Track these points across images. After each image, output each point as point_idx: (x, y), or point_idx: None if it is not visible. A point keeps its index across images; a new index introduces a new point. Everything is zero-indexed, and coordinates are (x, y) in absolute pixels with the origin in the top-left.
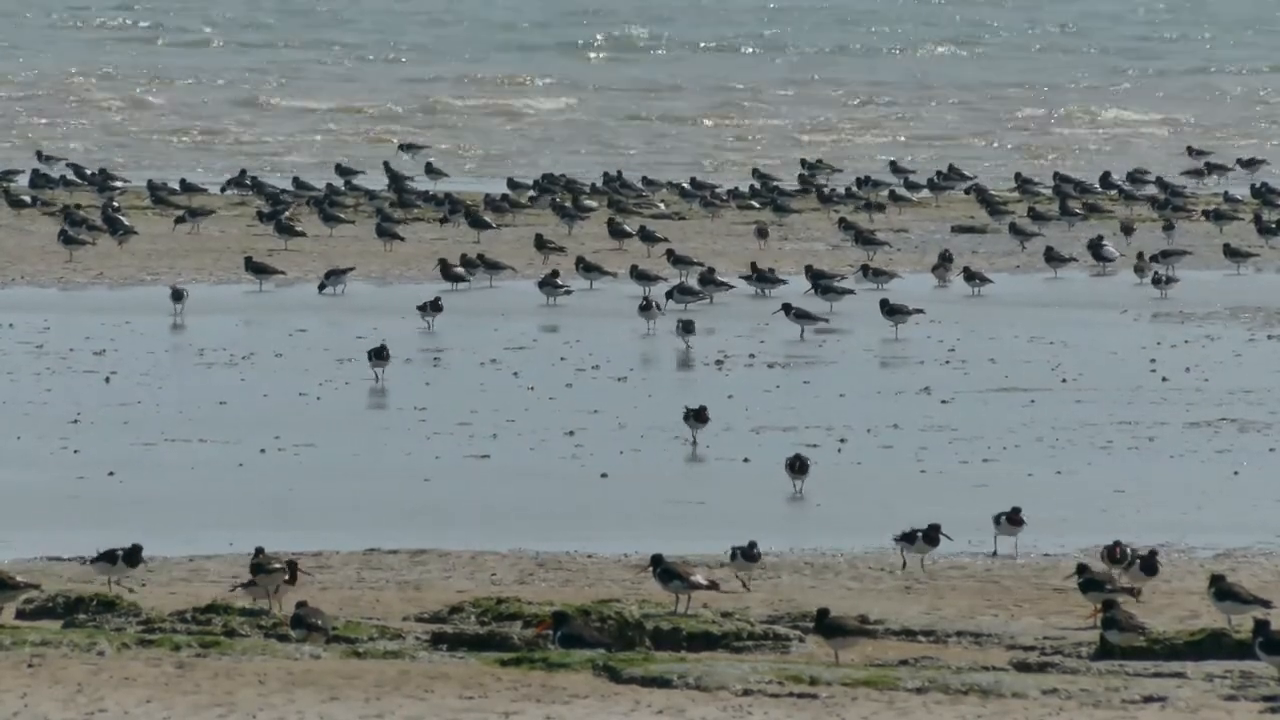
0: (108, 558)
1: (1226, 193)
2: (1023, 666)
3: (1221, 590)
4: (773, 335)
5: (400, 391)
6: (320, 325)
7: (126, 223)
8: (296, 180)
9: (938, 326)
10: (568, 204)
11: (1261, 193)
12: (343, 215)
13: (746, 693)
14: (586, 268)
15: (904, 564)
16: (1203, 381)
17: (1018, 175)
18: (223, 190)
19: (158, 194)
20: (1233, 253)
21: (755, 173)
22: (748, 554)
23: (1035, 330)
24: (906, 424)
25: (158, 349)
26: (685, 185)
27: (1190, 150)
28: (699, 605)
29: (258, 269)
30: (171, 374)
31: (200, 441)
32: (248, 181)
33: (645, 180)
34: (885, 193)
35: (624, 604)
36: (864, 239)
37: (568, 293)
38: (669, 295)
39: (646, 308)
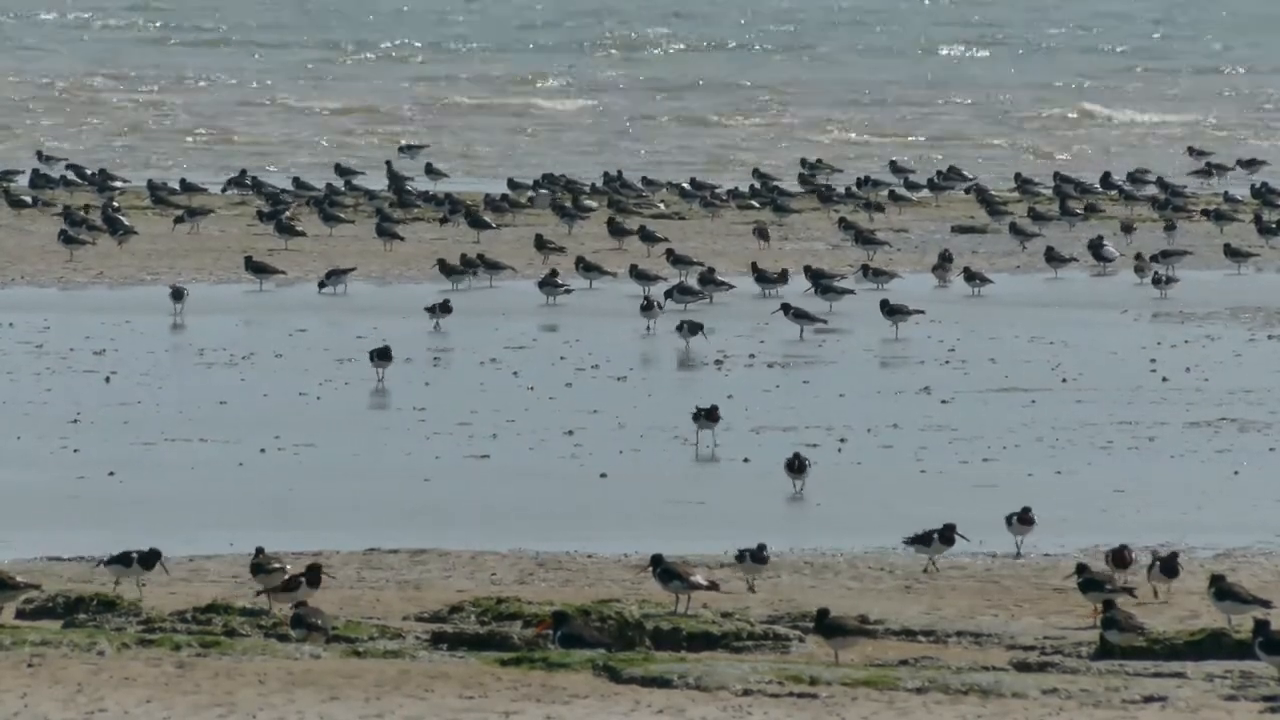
0: (122, 560)
1: (1226, 193)
2: (1023, 666)
3: (1221, 590)
4: (772, 335)
5: (400, 391)
6: (320, 325)
7: (126, 223)
8: (296, 180)
9: (938, 326)
10: (568, 204)
11: (1261, 193)
12: (343, 215)
13: (746, 693)
14: (586, 267)
15: (930, 565)
16: (1203, 381)
17: (1018, 175)
18: (223, 190)
19: (157, 194)
20: (1233, 253)
21: (755, 172)
22: (756, 556)
23: (1035, 330)
24: (906, 424)
25: (158, 349)
26: (685, 185)
27: (1191, 150)
28: (699, 605)
29: (258, 269)
30: (171, 374)
31: (200, 441)
32: (248, 181)
33: (645, 180)
34: (885, 193)
35: (624, 604)
36: (864, 239)
37: (568, 292)
38: (668, 295)
39: (648, 307)
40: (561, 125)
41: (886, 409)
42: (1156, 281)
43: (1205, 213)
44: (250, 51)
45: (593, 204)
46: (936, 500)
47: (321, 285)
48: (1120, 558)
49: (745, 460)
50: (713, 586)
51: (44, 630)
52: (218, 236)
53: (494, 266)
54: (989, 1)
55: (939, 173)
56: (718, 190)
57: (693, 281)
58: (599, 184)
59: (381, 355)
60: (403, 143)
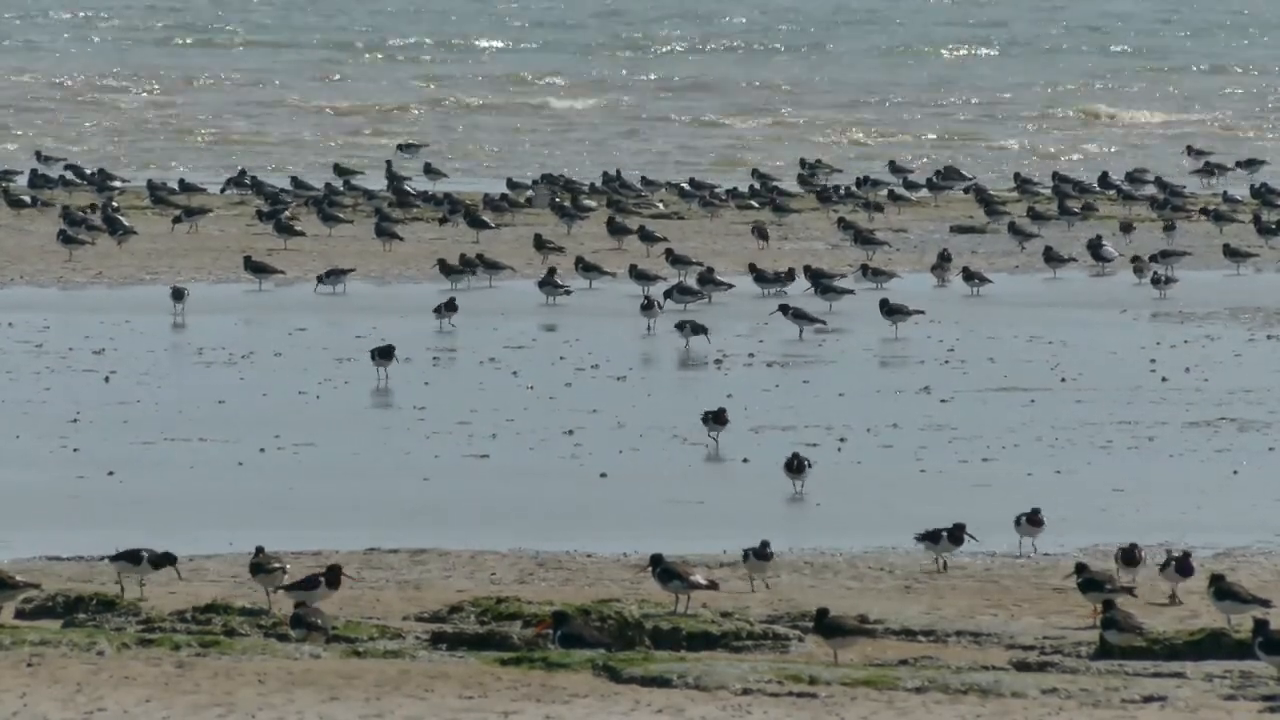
0: (130, 558)
1: (1225, 193)
2: (1022, 666)
3: (1221, 590)
4: (772, 335)
5: (400, 391)
6: (319, 325)
7: (126, 223)
8: (295, 180)
9: (937, 326)
10: (567, 204)
11: (1261, 193)
12: (342, 215)
13: (746, 692)
14: (586, 267)
15: (943, 565)
16: (1202, 381)
17: (1017, 175)
18: (222, 190)
19: (157, 194)
20: (1232, 253)
21: (755, 172)
22: (760, 554)
23: (1034, 330)
24: (906, 423)
25: (157, 348)
26: (684, 185)
27: (1190, 150)
28: (698, 605)
29: (257, 268)
30: (171, 373)
31: (200, 441)
32: (247, 181)
33: (644, 180)
34: (884, 192)
35: (624, 604)
36: (863, 239)
37: (567, 292)
38: (668, 295)
39: (648, 307)
40: (571, 125)
41: (886, 408)
42: (1156, 281)
43: (1204, 212)
44: (259, 51)
45: (592, 204)
46: (936, 500)
47: (320, 281)
48: (1130, 556)
49: (745, 460)
50: (712, 586)
51: (43, 630)
52: (217, 236)
53: (493, 266)
54: (995, 1)
55: (938, 173)
56: (717, 190)
57: (692, 281)
58: (598, 184)
59: (384, 354)
60: (401, 142)
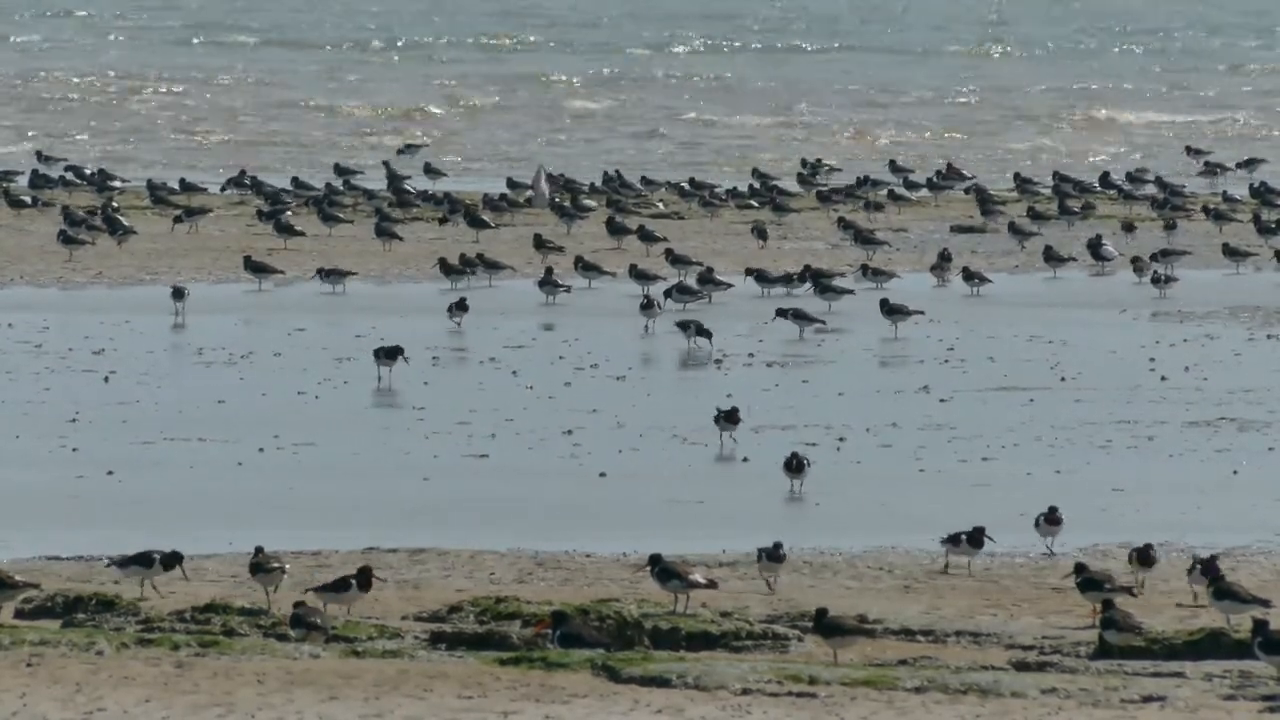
0: (143, 561)
1: (1225, 192)
2: (1022, 666)
3: (1220, 590)
4: (772, 335)
5: (399, 391)
6: (319, 325)
7: (126, 223)
8: (295, 180)
9: (937, 326)
10: (567, 204)
11: (1260, 192)
12: (342, 215)
13: (745, 692)
14: (585, 267)
15: (946, 566)
16: (1202, 381)
17: (1016, 175)
18: (222, 190)
19: (157, 194)
20: (1232, 252)
21: (755, 172)
22: (773, 555)
23: (1034, 329)
24: (905, 423)
25: (157, 348)
26: (684, 185)
27: (1189, 150)
28: (698, 604)
29: (257, 268)
30: (170, 373)
31: (199, 440)
32: (247, 181)
33: (644, 180)
34: (884, 192)
35: (623, 603)
36: (863, 238)
37: (567, 291)
38: (668, 294)
39: (648, 306)
40: (589, 124)
41: (885, 408)
42: (1155, 281)
43: (1205, 210)
44: (274, 50)
45: (592, 203)
46: (936, 499)
47: (322, 276)
48: (1145, 557)
49: (744, 460)
50: (711, 585)
51: (43, 630)
52: (217, 236)
53: (493, 266)
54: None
55: (938, 172)
56: (717, 190)
57: (692, 281)
58: (598, 183)
59: (389, 354)
60: (401, 145)
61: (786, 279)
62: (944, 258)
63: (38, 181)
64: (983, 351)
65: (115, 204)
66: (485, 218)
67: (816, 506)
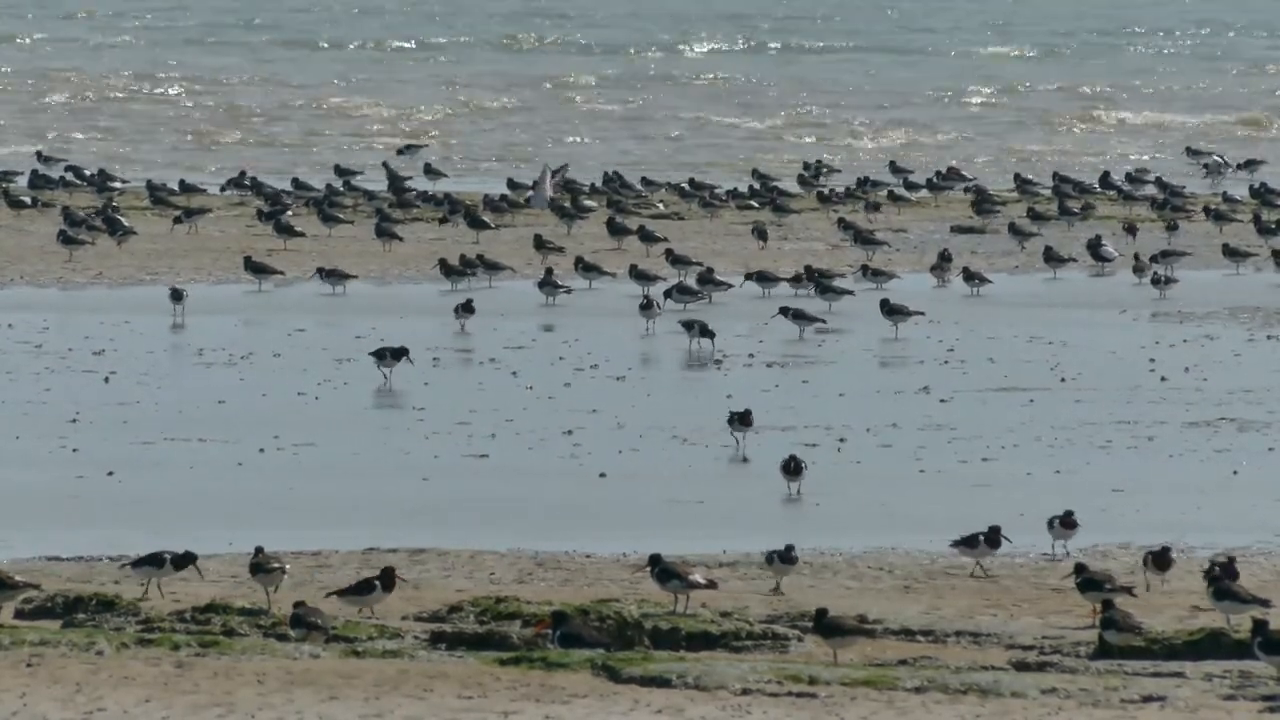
0: (154, 561)
1: (1225, 193)
2: (1022, 666)
3: (1220, 590)
4: (772, 335)
5: (399, 391)
6: (319, 325)
7: (126, 223)
8: (295, 180)
9: (937, 326)
10: (567, 204)
11: (1260, 193)
12: (342, 215)
13: (745, 692)
14: (585, 267)
15: (981, 569)
16: (1202, 381)
17: (1016, 176)
18: (221, 190)
19: (157, 194)
20: (1232, 252)
21: (755, 173)
22: (785, 557)
23: (1034, 330)
24: (905, 423)
25: (157, 349)
26: (684, 185)
27: (1189, 150)
28: (697, 605)
29: (257, 269)
30: (170, 374)
31: (199, 441)
32: (247, 182)
33: (644, 180)
34: (884, 193)
35: (623, 603)
36: (863, 239)
37: (567, 292)
38: (668, 295)
39: (647, 306)
40: (599, 125)
41: (886, 409)
42: (1155, 281)
43: (1206, 210)
44: (282, 51)
45: (592, 204)
46: (936, 500)
47: (322, 276)
48: (1162, 559)
49: (744, 460)
50: (711, 585)
51: (43, 630)
52: (217, 237)
53: (493, 267)
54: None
55: (938, 173)
56: (717, 190)
57: (692, 281)
58: (598, 184)
59: (395, 355)
60: (404, 145)
61: (795, 279)
62: (944, 258)
63: (38, 182)
64: (983, 352)
65: (115, 204)
66: (485, 218)
67: (816, 507)
